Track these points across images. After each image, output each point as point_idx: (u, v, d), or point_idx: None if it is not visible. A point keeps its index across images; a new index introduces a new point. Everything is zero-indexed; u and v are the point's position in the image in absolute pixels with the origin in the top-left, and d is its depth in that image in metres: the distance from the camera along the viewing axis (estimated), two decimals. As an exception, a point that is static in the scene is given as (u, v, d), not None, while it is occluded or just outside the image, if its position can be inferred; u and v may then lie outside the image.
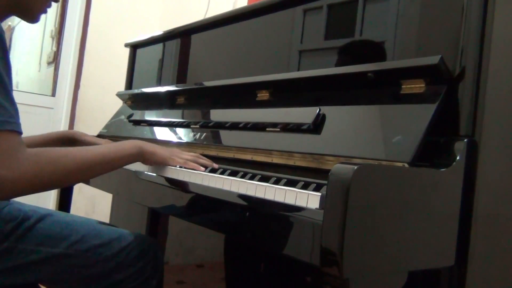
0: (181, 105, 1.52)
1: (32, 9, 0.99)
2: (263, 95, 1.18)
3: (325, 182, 0.66)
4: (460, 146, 0.78)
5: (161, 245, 1.78)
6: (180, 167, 1.08)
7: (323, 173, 0.88)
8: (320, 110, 0.97)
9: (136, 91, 1.80)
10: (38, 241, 0.95)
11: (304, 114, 0.99)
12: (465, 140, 0.79)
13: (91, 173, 0.94)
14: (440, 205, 0.76)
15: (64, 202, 1.72)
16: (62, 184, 0.93)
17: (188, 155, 1.11)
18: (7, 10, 0.97)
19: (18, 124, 0.82)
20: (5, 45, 0.83)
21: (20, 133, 0.82)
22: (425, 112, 0.80)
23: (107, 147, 0.99)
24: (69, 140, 1.36)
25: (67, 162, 0.87)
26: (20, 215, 0.95)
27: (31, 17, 1.01)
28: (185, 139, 1.32)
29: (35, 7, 0.99)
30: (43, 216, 0.98)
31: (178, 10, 3.07)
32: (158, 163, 1.09)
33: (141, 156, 1.04)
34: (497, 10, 0.83)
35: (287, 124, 1.03)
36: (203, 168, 1.06)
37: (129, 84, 1.98)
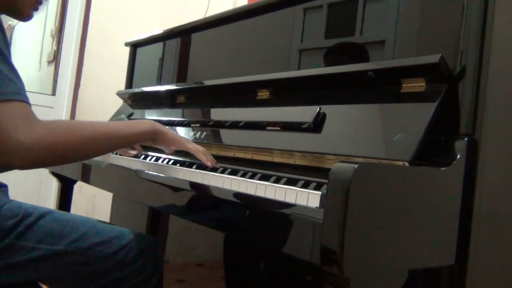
0: (181, 104, 1.52)
1: (22, 7, 0.99)
2: (263, 94, 1.18)
3: (326, 181, 0.66)
4: (460, 145, 0.78)
5: (161, 244, 1.78)
6: (181, 164, 1.08)
7: (323, 172, 0.88)
8: (320, 109, 0.97)
9: (136, 90, 1.80)
10: (39, 239, 0.95)
11: (305, 113, 0.99)
12: (466, 138, 0.79)
13: (105, 145, 0.96)
14: (440, 204, 0.76)
15: (64, 201, 1.72)
16: (77, 154, 0.92)
17: (200, 147, 1.11)
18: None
19: (27, 96, 0.84)
20: (2, 26, 0.84)
21: (30, 104, 0.84)
22: (426, 111, 0.80)
23: (122, 122, 1.02)
24: None
25: (82, 131, 0.89)
26: (21, 212, 0.95)
27: (23, 15, 1.02)
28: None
29: (25, 5, 1.00)
30: (44, 214, 0.98)
31: (178, 9, 3.07)
32: (169, 143, 1.10)
33: (154, 134, 1.06)
34: (497, 9, 0.83)
35: (288, 123, 1.03)
36: (210, 164, 1.07)
37: (129, 83, 1.98)
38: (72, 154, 0.89)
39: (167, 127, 1.11)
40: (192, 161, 1.15)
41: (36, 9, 1.03)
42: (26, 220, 0.94)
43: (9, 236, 0.92)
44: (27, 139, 0.79)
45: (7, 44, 0.85)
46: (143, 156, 1.38)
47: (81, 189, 2.72)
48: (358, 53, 1.07)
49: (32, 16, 1.03)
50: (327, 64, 1.11)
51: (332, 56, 1.12)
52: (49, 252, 0.95)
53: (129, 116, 1.67)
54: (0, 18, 0.85)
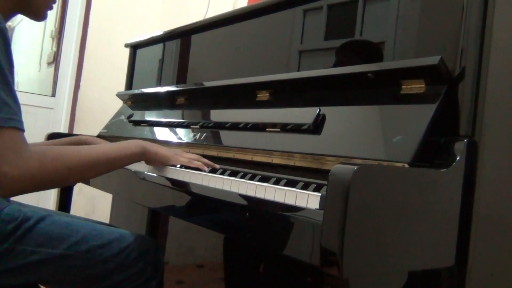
0: (181, 105, 1.53)
1: (38, 7, 1.00)
2: (263, 95, 1.18)
3: (325, 182, 0.66)
4: (460, 146, 0.78)
5: (161, 246, 1.78)
6: (181, 166, 1.08)
7: (323, 173, 0.88)
8: (320, 110, 0.97)
9: (136, 91, 1.80)
10: (38, 242, 0.94)
11: (304, 115, 0.99)
12: (465, 140, 0.79)
13: (94, 171, 0.95)
14: (440, 205, 0.76)
15: (64, 203, 1.72)
16: (65, 182, 0.94)
17: (191, 155, 1.12)
18: (14, 9, 0.99)
19: (21, 121, 0.83)
20: (9, 42, 0.84)
21: (23, 130, 0.83)
22: (425, 112, 0.80)
23: (110, 146, 1.00)
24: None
25: (70, 160, 0.88)
26: (20, 216, 0.94)
27: (38, 14, 1.02)
28: (185, 139, 1.32)
29: (41, 5, 1.00)
30: (43, 217, 0.98)
31: (178, 10, 3.07)
32: (161, 163, 1.10)
33: (144, 156, 1.05)
34: (497, 10, 0.83)
35: (287, 124, 1.03)
36: (207, 168, 1.07)
37: (129, 84, 1.98)
38: (58, 183, 0.90)
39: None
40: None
41: (51, 8, 1.04)
42: (25, 224, 0.94)
43: (8, 240, 0.92)
44: (13, 170, 0.78)
45: (11, 62, 0.83)
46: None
47: (81, 190, 2.72)
48: (358, 54, 1.07)
49: (46, 16, 1.03)
50: (327, 65, 1.11)
51: (332, 57, 1.12)
52: (48, 255, 0.95)
53: (129, 117, 1.67)
54: (7, 33, 0.84)
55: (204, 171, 1.06)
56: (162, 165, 1.11)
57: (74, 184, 1.71)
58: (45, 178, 0.83)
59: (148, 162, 1.09)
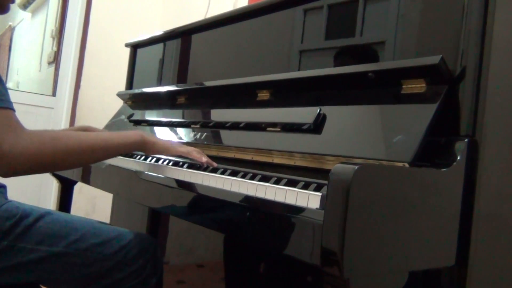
0: (181, 105, 1.52)
1: (2, 1, 0.97)
2: (264, 95, 1.18)
3: (326, 182, 0.66)
4: (460, 146, 0.78)
5: (162, 245, 1.78)
6: (182, 165, 1.08)
7: (323, 173, 0.88)
8: (320, 110, 0.97)
9: (136, 91, 1.80)
10: (38, 240, 0.94)
11: (305, 114, 0.99)
12: (466, 140, 0.79)
13: (92, 156, 0.95)
14: (440, 205, 0.76)
15: (65, 202, 1.72)
16: (63, 165, 0.92)
17: (191, 147, 1.12)
18: None
19: (10, 102, 0.82)
20: None
21: (14, 110, 0.82)
22: (426, 112, 0.80)
23: (110, 134, 1.01)
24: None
25: (68, 142, 0.87)
26: (19, 213, 0.94)
27: (2, 8, 0.98)
28: (185, 139, 1.32)
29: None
30: (43, 215, 0.98)
31: (178, 10, 3.07)
32: (160, 152, 1.10)
33: (143, 145, 1.05)
34: (497, 10, 0.83)
35: (288, 124, 1.03)
36: (205, 159, 1.07)
37: (130, 84, 1.98)
38: (56, 164, 0.88)
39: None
40: (192, 162, 1.15)
41: (13, 2, 1.02)
42: (24, 221, 0.94)
43: (7, 237, 0.92)
44: (12, 148, 0.77)
45: None
46: (143, 157, 1.38)
47: (81, 190, 2.72)
48: (358, 54, 1.07)
49: (9, 9, 1.01)
50: (328, 65, 1.11)
51: (332, 57, 1.12)
52: (48, 253, 0.95)
53: (130, 117, 1.67)
54: None
55: (202, 164, 1.06)
56: (161, 154, 1.11)
57: (75, 183, 1.71)
58: (43, 158, 0.82)
59: (146, 151, 1.09)
